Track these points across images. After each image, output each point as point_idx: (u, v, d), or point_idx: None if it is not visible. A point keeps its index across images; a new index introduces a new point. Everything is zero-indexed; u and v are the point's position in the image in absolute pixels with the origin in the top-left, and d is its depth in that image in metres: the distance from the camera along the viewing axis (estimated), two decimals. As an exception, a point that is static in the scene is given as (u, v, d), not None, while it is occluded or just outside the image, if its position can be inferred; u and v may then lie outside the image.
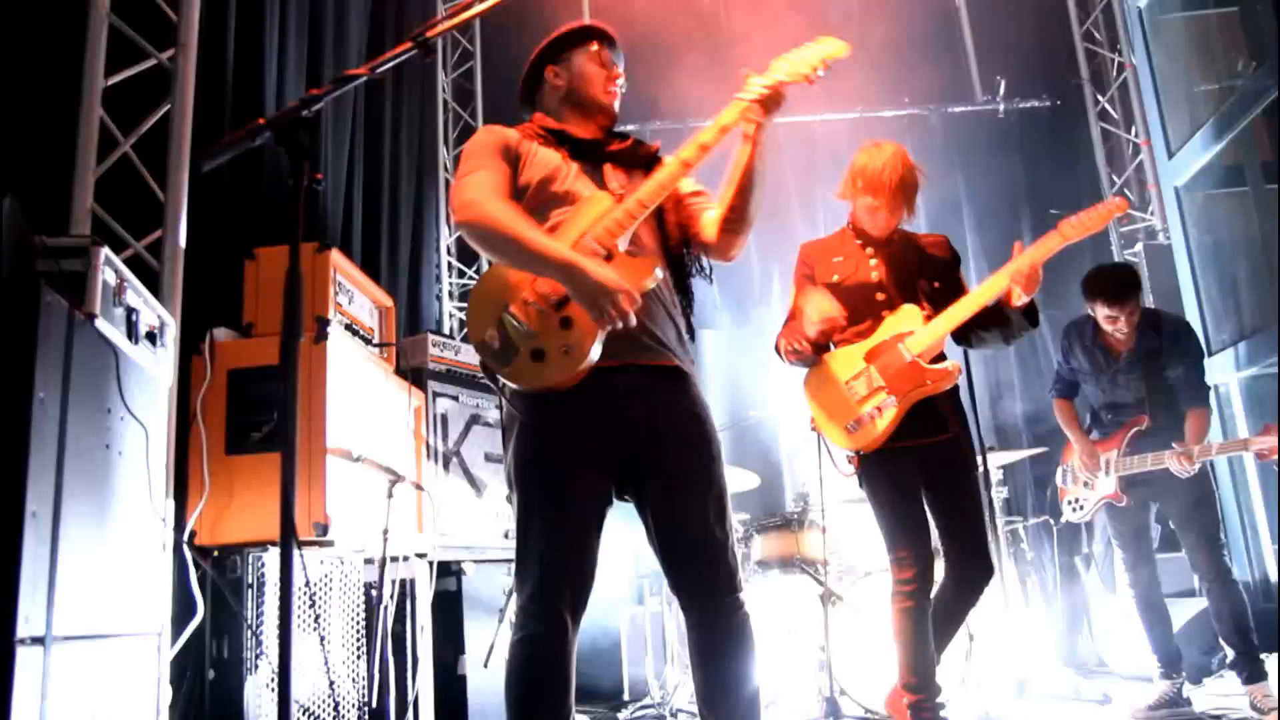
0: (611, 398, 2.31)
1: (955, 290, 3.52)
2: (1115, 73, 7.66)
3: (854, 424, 3.42)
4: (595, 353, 2.24)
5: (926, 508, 3.44)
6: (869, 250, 3.59)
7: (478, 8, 2.29)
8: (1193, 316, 6.14)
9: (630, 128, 7.42)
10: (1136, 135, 7.42)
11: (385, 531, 3.56)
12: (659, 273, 2.34)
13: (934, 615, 3.37)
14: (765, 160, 2.49)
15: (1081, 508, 4.59)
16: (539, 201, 2.44)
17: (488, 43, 7.93)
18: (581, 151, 2.54)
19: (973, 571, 3.39)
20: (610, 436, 2.31)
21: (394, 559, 3.79)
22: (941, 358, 3.45)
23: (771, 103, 2.40)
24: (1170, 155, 6.52)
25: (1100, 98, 7.77)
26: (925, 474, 3.42)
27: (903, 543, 3.37)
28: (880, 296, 3.51)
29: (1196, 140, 6.15)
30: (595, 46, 2.64)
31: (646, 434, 2.32)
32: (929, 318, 3.42)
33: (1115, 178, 7.62)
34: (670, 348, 2.44)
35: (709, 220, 2.57)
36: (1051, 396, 4.82)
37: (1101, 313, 4.32)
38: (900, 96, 7.72)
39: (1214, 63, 6.59)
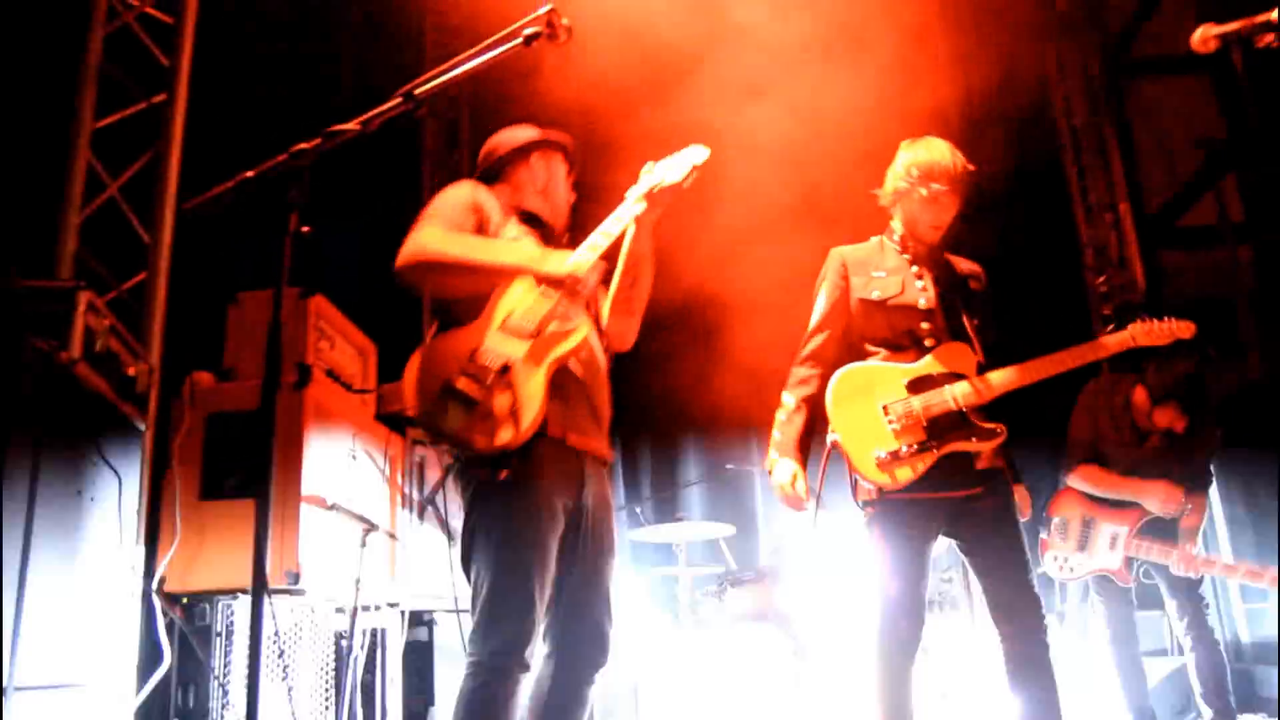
0: (575, 477, 2.51)
1: (989, 331, 3.22)
2: (1094, 133, 7.80)
3: (888, 455, 2.98)
4: (540, 409, 2.35)
5: (969, 569, 3.10)
6: (916, 269, 3.19)
7: (468, 65, 2.32)
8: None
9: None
10: (1115, 193, 7.55)
11: (358, 581, 3.53)
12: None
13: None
14: (650, 248, 2.74)
15: (1071, 569, 4.43)
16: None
17: (476, 89, 8.00)
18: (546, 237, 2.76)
19: (1028, 648, 2.91)
20: (570, 512, 2.49)
21: (365, 608, 3.76)
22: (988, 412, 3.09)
23: (656, 202, 2.65)
24: (1147, 213, 6.66)
25: (1080, 155, 7.88)
26: (955, 529, 3.04)
27: (894, 591, 2.99)
28: (925, 326, 3.11)
29: (1173, 199, 6.30)
30: (560, 160, 2.90)
31: (589, 519, 2.53)
32: (979, 365, 3.10)
33: (1089, 235, 7.73)
34: (605, 434, 2.65)
35: (604, 311, 2.78)
36: (1069, 470, 4.46)
37: (1149, 408, 4.24)
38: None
39: (1190, 123, 6.71)
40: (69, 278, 2.93)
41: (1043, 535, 4.54)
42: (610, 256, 2.61)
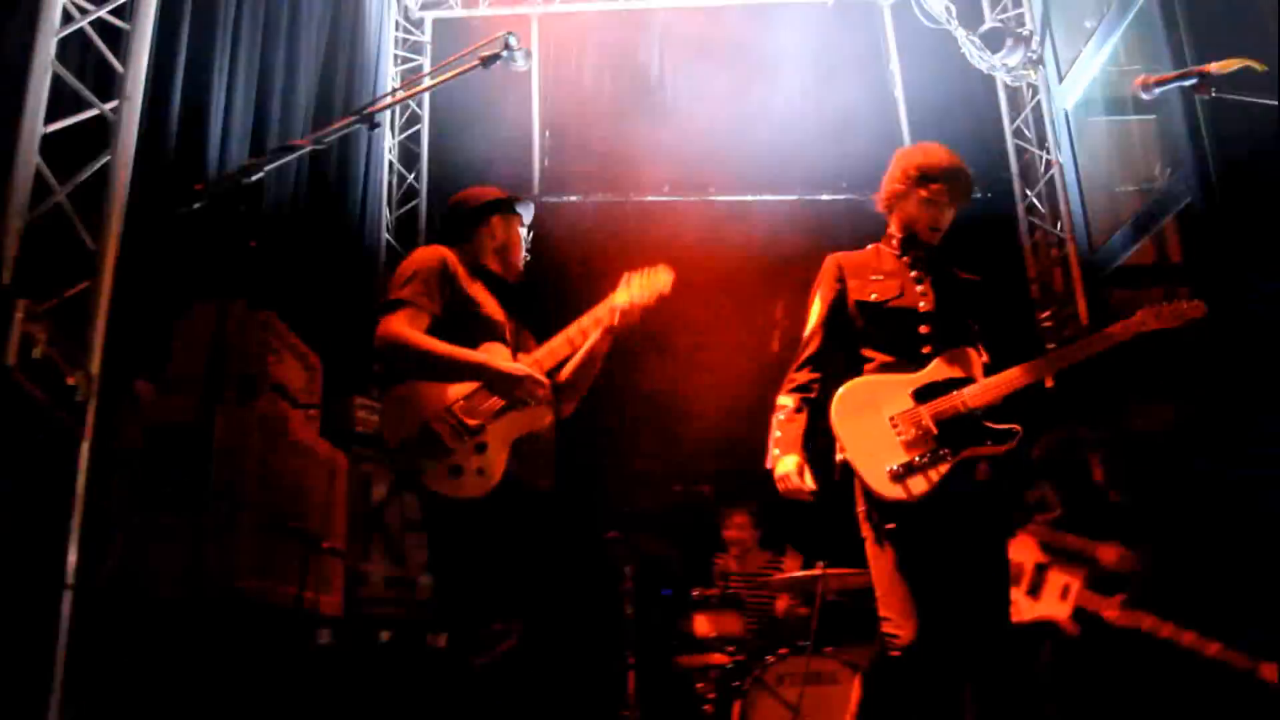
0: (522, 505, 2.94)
1: (993, 338, 3.18)
2: (1043, 169, 7.95)
3: (901, 470, 2.87)
4: (500, 473, 2.80)
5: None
6: (915, 272, 3.14)
7: (425, 84, 2.34)
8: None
9: (572, 199, 7.53)
10: (1061, 230, 7.69)
11: (299, 597, 3.49)
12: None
13: None
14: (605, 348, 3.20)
15: (1019, 613, 4.49)
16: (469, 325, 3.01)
17: (436, 107, 8.00)
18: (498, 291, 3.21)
19: (994, 665, 2.83)
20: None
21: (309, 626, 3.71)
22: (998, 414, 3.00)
23: (627, 318, 3.10)
24: (1091, 251, 6.77)
25: (1028, 192, 8.04)
26: (947, 542, 2.90)
27: (901, 615, 2.80)
28: (924, 329, 3.05)
29: (1116, 238, 6.41)
30: (518, 221, 3.30)
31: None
32: (985, 366, 3.04)
33: (1036, 269, 7.86)
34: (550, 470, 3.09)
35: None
36: (1028, 521, 4.55)
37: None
38: (839, 181, 7.90)
39: (1134, 166, 6.89)
40: (9, 284, 2.88)
41: None
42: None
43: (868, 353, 3.07)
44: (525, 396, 2.85)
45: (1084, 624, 4.29)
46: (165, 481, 3.36)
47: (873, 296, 3.09)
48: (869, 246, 3.28)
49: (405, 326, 2.83)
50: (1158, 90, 2.60)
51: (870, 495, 2.89)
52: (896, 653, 2.77)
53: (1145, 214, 6.04)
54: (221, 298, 1.88)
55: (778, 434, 3.05)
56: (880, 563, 2.89)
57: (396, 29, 7.81)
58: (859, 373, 3.06)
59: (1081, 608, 4.31)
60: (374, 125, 2.09)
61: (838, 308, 3.14)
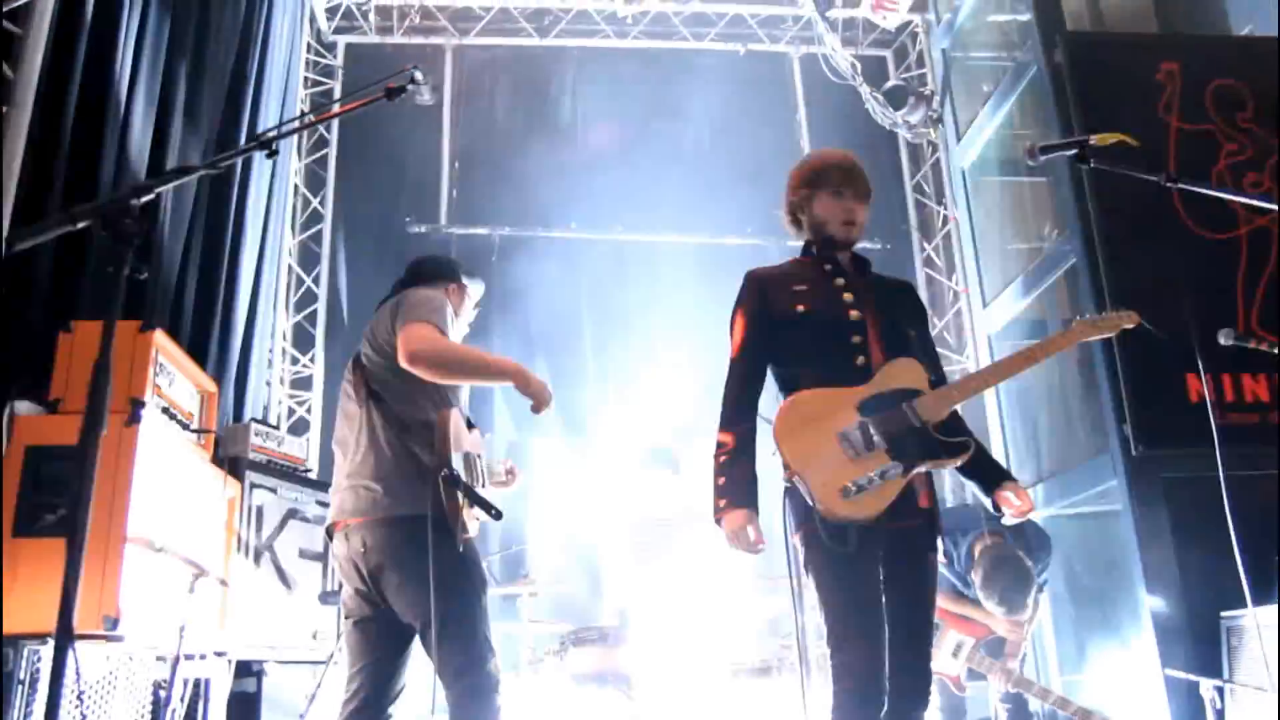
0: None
1: (931, 348, 3.05)
2: (940, 224, 8.24)
3: (854, 488, 2.66)
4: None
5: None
6: (840, 281, 2.96)
7: (329, 112, 2.33)
8: (999, 456, 6.54)
9: (480, 230, 7.52)
10: (957, 283, 7.96)
11: (182, 628, 3.38)
12: None
13: None
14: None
15: None
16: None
17: (345, 132, 7.92)
18: None
19: (910, 703, 2.68)
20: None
21: (189, 657, 3.60)
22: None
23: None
24: (985, 305, 7.03)
25: (926, 245, 8.32)
26: (885, 565, 2.74)
27: (856, 641, 2.64)
28: (857, 339, 2.86)
29: (1008, 293, 6.67)
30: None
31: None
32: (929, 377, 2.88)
33: (936, 320, 8.12)
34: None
35: None
36: None
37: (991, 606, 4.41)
38: (745, 226, 8.05)
39: (1026, 224, 7.18)
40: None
41: None
42: None
43: (800, 369, 2.87)
44: (547, 405, 3.07)
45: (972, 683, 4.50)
46: (48, 505, 3.24)
47: (799, 309, 2.89)
48: (786, 261, 3.12)
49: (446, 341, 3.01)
50: (1043, 157, 2.73)
51: (818, 516, 2.64)
52: (850, 683, 2.60)
53: (1036, 271, 6.30)
54: (108, 316, 1.82)
55: (721, 480, 2.82)
56: (829, 589, 2.70)
57: (308, 51, 7.73)
58: (795, 390, 2.84)
59: (972, 669, 4.48)
60: (272, 153, 2.06)
61: (763, 324, 2.94)
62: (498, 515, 2.95)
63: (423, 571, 2.71)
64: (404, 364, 2.87)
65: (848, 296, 2.90)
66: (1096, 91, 5.69)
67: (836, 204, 2.97)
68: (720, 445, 2.86)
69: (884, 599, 2.70)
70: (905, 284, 3.15)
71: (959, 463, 2.79)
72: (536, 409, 3.03)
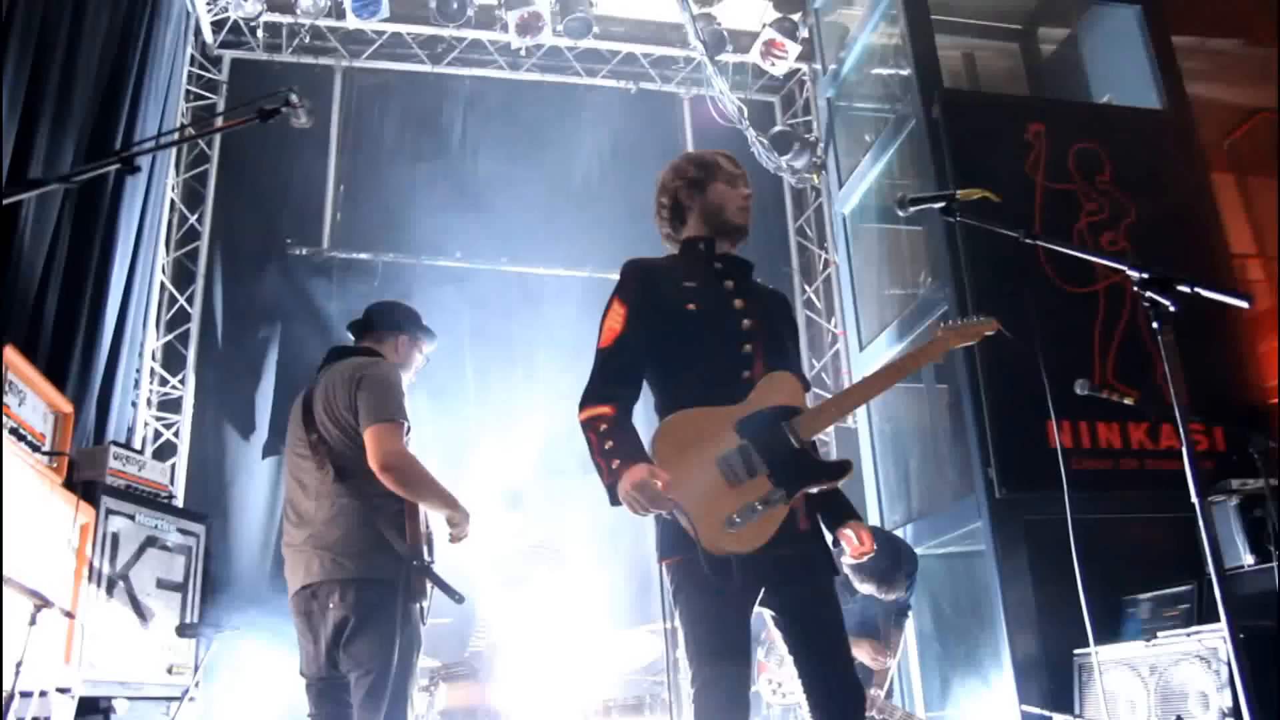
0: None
1: (800, 364, 2.91)
2: (821, 267, 8.46)
3: (738, 518, 2.48)
4: None
5: (781, 639, 2.65)
6: (730, 284, 2.75)
7: (206, 128, 2.27)
8: (871, 498, 6.71)
9: (363, 256, 7.39)
10: (836, 325, 8.16)
11: (19, 663, 3.20)
12: None
13: None
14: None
15: (784, 696, 4.70)
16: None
17: (227, 148, 7.69)
18: None
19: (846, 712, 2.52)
20: None
21: (26, 694, 3.40)
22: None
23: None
24: (861, 348, 7.21)
25: (807, 288, 8.52)
26: (768, 589, 2.58)
27: (715, 664, 2.49)
28: (747, 348, 2.65)
29: (883, 337, 6.86)
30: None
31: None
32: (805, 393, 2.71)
33: (815, 361, 8.30)
34: None
35: None
36: None
37: (868, 587, 4.57)
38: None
39: (901, 271, 7.42)
40: None
41: (760, 658, 4.80)
42: None
43: (684, 372, 2.64)
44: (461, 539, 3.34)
45: None
46: None
47: (689, 307, 2.64)
48: (668, 255, 2.88)
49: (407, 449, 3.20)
50: (912, 209, 2.82)
51: (701, 550, 2.41)
52: (705, 699, 2.44)
53: (910, 316, 6.51)
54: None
55: (609, 444, 2.52)
56: (697, 615, 2.52)
57: (192, 64, 7.50)
58: (671, 399, 2.64)
59: None
60: (133, 170, 1.99)
61: (646, 316, 2.65)
62: (460, 600, 3.20)
63: (386, 633, 3.00)
64: (374, 468, 3.07)
65: (739, 303, 2.70)
66: (971, 147, 5.93)
67: (732, 190, 2.80)
68: (598, 418, 2.57)
69: (786, 628, 2.59)
70: (782, 295, 3.00)
71: (841, 482, 2.63)
72: (452, 539, 3.29)
